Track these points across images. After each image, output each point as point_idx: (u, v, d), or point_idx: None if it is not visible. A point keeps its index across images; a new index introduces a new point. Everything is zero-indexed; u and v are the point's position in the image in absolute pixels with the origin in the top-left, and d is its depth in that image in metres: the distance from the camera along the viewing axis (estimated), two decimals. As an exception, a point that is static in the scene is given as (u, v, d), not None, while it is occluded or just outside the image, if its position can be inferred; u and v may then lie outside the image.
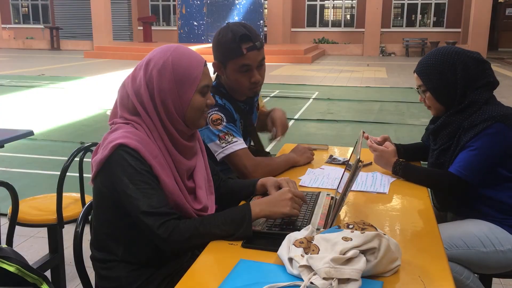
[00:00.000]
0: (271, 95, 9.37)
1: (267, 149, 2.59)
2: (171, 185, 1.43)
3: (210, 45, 2.03)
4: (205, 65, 1.49)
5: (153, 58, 1.45)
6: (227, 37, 1.90)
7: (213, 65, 2.01)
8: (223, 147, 1.94)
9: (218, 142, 1.95)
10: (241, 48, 1.89)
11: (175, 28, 21.20)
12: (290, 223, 1.44)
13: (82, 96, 9.38)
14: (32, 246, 3.18)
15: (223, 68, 1.99)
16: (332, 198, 1.65)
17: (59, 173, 2.34)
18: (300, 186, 1.87)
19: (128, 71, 1.55)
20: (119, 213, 1.42)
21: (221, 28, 1.98)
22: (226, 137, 1.94)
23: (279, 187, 1.63)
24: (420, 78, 1.95)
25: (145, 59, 1.47)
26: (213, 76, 2.07)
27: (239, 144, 1.96)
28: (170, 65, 1.42)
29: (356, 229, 1.21)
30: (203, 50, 12.13)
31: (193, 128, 1.52)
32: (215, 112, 1.96)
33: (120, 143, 1.36)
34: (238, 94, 2.06)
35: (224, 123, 1.96)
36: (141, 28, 21.30)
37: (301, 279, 1.13)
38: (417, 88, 2.00)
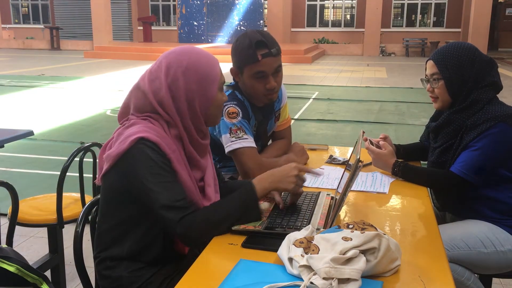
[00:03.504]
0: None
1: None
2: (187, 180, 1.45)
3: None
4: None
5: (172, 60, 1.46)
6: (244, 44, 1.92)
7: (231, 71, 2.03)
8: (232, 141, 1.94)
9: (228, 135, 1.95)
10: (257, 55, 1.90)
11: (175, 28, 21.22)
12: (290, 223, 1.45)
13: (82, 96, 9.38)
14: (32, 246, 3.18)
15: (240, 74, 2.00)
16: (332, 198, 1.65)
17: (59, 173, 2.34)
18: (300, 186, 1.86)
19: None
20: (130, 210, 1.43)
21: (239, 34, 2.01)
22: (238, 132, 1.95)
23: None
24: (437, 66, 1.93)
25: (163, 62, 1.46)
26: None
27: (248, 141, 1.95)
28: (193, 66, 1.45)
29: (356, 229, 1.21)
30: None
31: (210, 126, 1.57)
32: (233, 105, 1.98)
33: (141, 137, 1.37)
34: (255, 100, 2.06)
35: (239, 118, 1.96)
36: (141, 28, 21.31)
37: (301, 279, 1.13)
38: (427, 77, 1.98)
